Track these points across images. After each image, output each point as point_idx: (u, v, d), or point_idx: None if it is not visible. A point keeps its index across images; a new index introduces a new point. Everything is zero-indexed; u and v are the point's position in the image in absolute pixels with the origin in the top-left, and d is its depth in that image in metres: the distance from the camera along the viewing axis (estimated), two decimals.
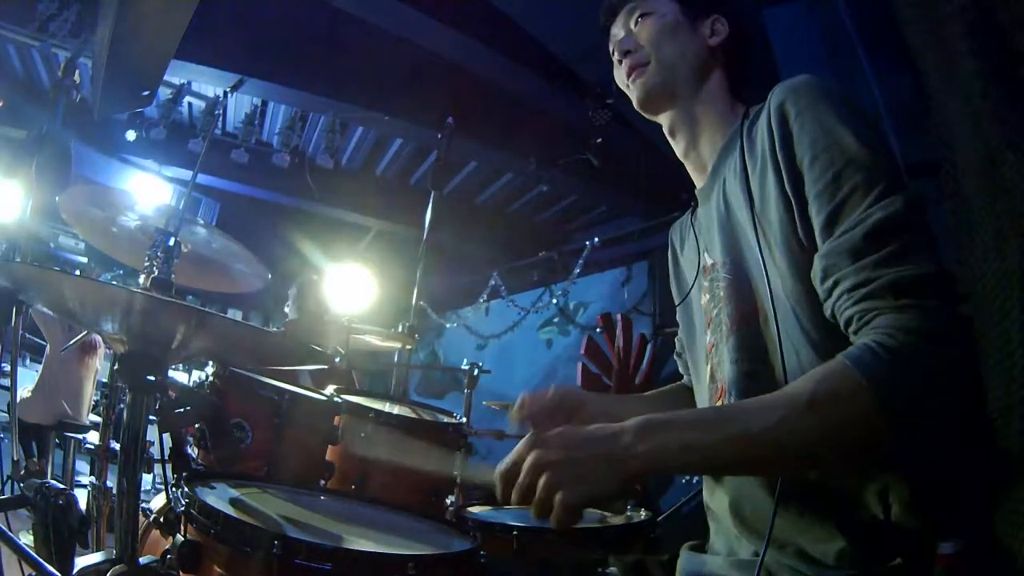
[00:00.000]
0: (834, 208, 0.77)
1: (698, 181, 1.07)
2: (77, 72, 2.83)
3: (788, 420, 0.69)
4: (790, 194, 0.82)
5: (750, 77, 1.07)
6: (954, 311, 0.71)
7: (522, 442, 0.75)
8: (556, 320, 6.40)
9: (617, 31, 1.08)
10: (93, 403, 4.18)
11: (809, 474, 0.82)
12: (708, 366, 1.02)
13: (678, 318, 1.16)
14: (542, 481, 0.71)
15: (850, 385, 0.68)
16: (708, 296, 1.01)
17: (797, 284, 0.83)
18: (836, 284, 0.76)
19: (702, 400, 1.04)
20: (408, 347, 2.63)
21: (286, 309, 3.23)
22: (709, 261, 1.03)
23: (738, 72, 1.05)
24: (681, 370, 1.25)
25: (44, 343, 4.10)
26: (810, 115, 0.82)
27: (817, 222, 0.79)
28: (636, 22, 1.05)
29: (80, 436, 3.84)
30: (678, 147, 1.07)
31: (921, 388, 0.68)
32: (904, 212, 0.73)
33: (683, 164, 1.10)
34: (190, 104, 5.43)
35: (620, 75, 1.07)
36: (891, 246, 0.73)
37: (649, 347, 4.49)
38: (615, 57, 1.06)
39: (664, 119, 1.06)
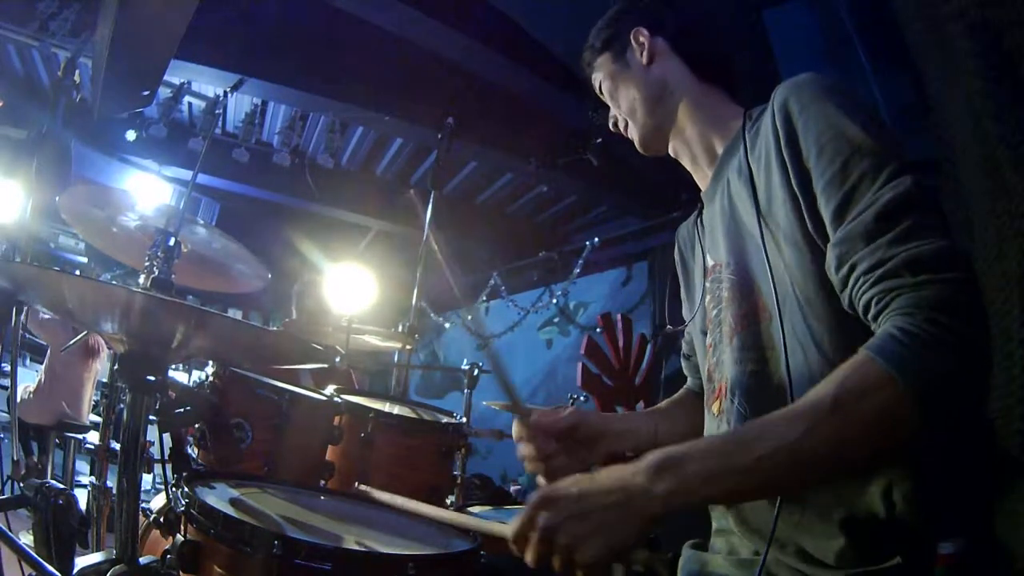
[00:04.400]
0: (844, 196, 0.77)
1: (703, 186, 1.07)
2: (77, 72, 2.84)
3: (814, 428, 0.66)
4: (797, 190, 0.82)
5: (713, 50, 1.08)
6: (971, 283, 0.69)
7: (530, 502, 0.72)
8: (556, 320, 6.40)
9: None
10: (93, 404, 4.18)
11: (852, 479, 0.78)
12: (706, 366, 1.02)
13: (687, 321, 1.15)
14: (557, 544, 0.68)
15: (877, 376, 0.66)
16: (709, 297, 1.02)
17: (804, 281, 0.82)
18: (852, 269, 0.74)
19: (706, 401, 1.04)
20: (408, 347, 2.63)
21: (293, 311, 3.23)
22: (711, 262, 1.03)
23: (698, 56, 1.06)
24: (686, 372, 1.25)
25: (44, 343, 4.11)
26: (814, 110, 0.82)
27: (827, 213, 0.78)
28: (601, 91, 1.13)
29: (80, 436, 3.84)
30: (686, 163, 1.10)
31: (949, 365, 0.66)
32: (914, 191, 0.73)
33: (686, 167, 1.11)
34: (190, 104, 5.42)
35: None
36: (904, 224, 0.71)
37: (649, 347, 4.49)
38: None
39: (668, 149, 1.10)
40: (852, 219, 0.75)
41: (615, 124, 1.13)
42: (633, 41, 1.06)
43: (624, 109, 1.09)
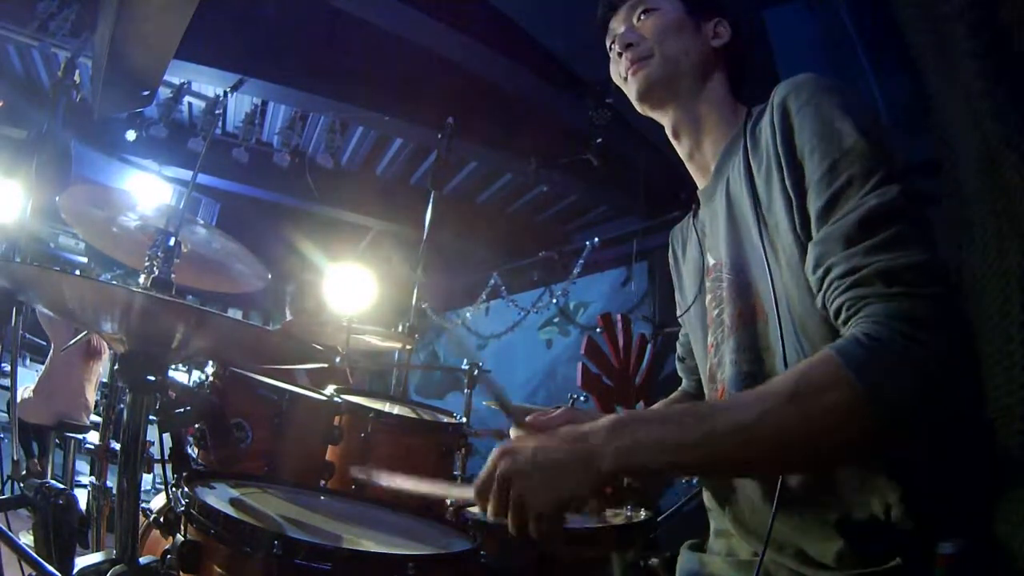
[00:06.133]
0: (830, 197, 0.76)
1: (701, 182, 1.06)
2: (77, 72, 2.83)
3: (768, 413, 0.67)
4: (790, 187, 0.82)
5: (748, 81, 1.07)
6: (946, 300, 0.69)
7: (492, 454, 0.74)
8: (556, 320, 6.40)
9: (617, 25, 1.07)
10: (94, 405, 4.17)
11: (800, 474, 0.79)
12: (708, 366, 1.02)
13: (682, 322, 1.15)
14: (512, 492, 0.70)
15: (834, 376, 0.66)
16: (711, 296, 1.01)
17: (799, 282, 0.82)
18: (827, 272, 0.75)
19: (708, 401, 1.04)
20: (408, 347, 2.63)
21: (287, 312, 3.23)
22: (712, 261, 1.02)
23: (738, 76, 1.05)
24: (681, 374, 1.25)
25: (44, 343, 4.10)
26: (811, 108, 0.82)
27: (813, 211, 0.78)
28: (639, 17, 1.04)
29: (80, 436, 3.84)
30: (682, 149, 1.07)
31: (910, 378, 0.66)
32: (899, 200, 0.72)
33: (684, 165, 1.09)
34: (190, 104, 5.42)
35: (618, 69, 1.06)
36: (883, 233, 0.71)
37: (649, 347, 4.49)
38: (614, 50, 1.06)
39: (667, 120, 1.05)
40: (834, 222, 0.75)
41: (628, 45, 1.02)
42: (714, 25, 1.03)
43: (666, 47, 1.00)
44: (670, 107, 1.03)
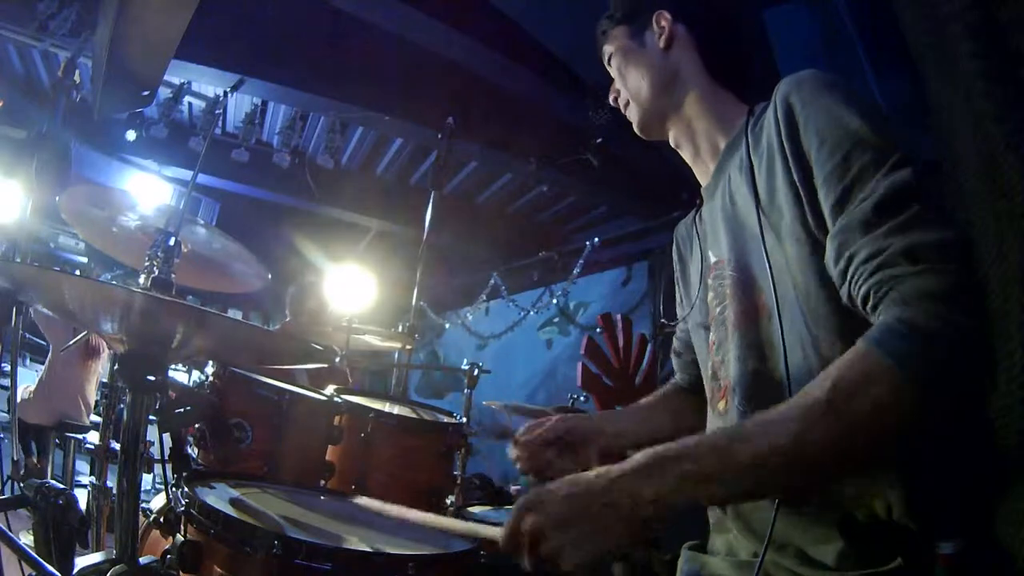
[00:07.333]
0: (844, 188, 0.76)
1: (704, 181, 1.07)
2: (77, 72, 2.84)
3: (808, 429, 0.65)
4: (798, 184, 0.81)
5: (731, 53, 1.05)
6: (970, 275, 0.68)
7: (515, 506, 0.71)
8: (556, 320, 6.40)
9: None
10: (94, 404, 4.17)
11: (843, 479, 0.77)
12: (710, 364, 1.01)
13: (685, 318, 1.15)
14: (544, 550, 0.67)
15: (876, 368, 0.65)
16: (712, 294, 1.01)
17: (805, 278, 0.82)
18: (850, 260, 0.73)
19: (710, 399, 1.03)
20: (408, 347, 2.63)
21: (287, 313, 3.24)
22: (713, 259, 1.02)
23: (714, 54, 1.03)
24: (676, 369, 1.25)
25: (44, 343, 4.10)
26: (816, 104, 0.82)
27: (827, 205, 0.77)
28: (609, 66, 1.11)
29: (80, 436, 3.84)
30: (686, 156, 1.09)
31: (945, 356, 0.65)
32: (914, 181, 0.72)
33: (685, 165, 1.10)
34: (190, 104, 5.42)
35: None
36: (903, 214, 0.70)
37: (649, 347, 4.49)
38: None
39: (670, 138, 1.08)
40: (851, 210, 0.75)
41: (615, 99, 1.11)
42: (655, 23, 1.04)
43: (630, 88, 1.06)
44: (667, 129, 1.08)
